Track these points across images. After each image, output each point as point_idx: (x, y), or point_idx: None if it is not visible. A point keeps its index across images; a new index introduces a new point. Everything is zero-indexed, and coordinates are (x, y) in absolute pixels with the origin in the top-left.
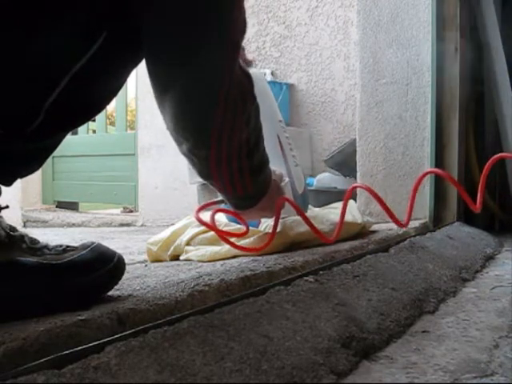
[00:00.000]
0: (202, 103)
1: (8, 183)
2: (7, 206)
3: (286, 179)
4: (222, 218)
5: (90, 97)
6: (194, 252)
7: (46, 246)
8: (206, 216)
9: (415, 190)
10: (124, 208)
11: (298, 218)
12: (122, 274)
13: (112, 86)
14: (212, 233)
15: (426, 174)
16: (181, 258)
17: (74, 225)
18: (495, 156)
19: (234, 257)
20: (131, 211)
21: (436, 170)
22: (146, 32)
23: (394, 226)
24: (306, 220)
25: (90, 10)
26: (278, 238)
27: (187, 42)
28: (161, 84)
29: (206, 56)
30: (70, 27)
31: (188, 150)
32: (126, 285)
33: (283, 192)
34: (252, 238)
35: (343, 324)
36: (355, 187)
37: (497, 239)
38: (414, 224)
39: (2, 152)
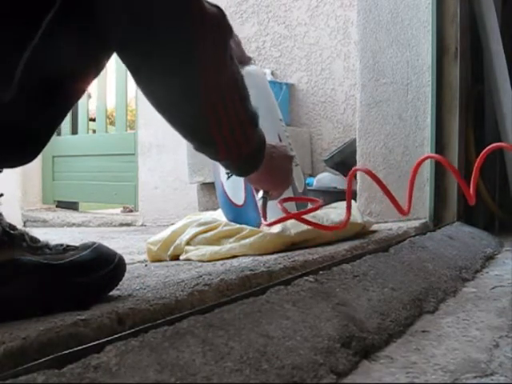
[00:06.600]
0: (180, 46)
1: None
2: (2, 194)
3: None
4: (222, 218)
5: (61, 69)
6: (193, 252)
7: (46, 245)
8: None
9: (414, 173)
10: (124, 208)
11: None
12: (123, 274)
13: (84, 61)
14: (212, 232)
15: (426, 158)
16: (181, 257)
17: (74, 225)
18: (492, 145)
19: (234, 257)
20: (131, 211)
21: (435, 155)
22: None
23: (393, 225)
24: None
25: None
26: (278, 238)
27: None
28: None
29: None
30: None
31: (183, 111)
32: (126, 285)
33: (291, 157)
34: (252, 238)
35: (343, 324)
36: (356, 170)
37: (497, 239)
38: (413, 224)
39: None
